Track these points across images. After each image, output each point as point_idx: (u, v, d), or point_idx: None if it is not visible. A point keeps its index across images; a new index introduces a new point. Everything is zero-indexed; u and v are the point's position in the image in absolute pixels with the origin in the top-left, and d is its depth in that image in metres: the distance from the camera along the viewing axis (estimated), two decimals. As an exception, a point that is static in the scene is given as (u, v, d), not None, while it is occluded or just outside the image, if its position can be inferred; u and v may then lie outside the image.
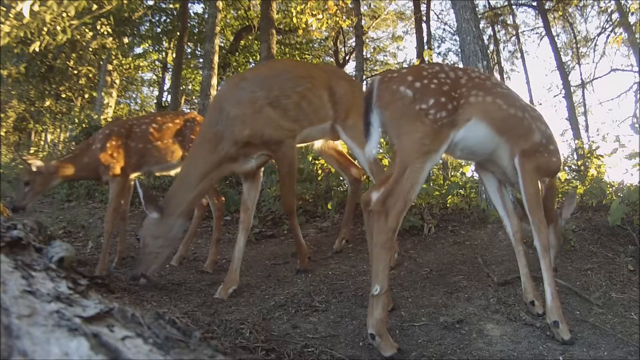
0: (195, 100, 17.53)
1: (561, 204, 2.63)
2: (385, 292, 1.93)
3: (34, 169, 3.13)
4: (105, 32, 9.61)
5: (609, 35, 13.23)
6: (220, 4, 7.77)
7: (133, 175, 3.51)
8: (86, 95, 14.15)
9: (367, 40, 16.43)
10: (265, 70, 2.94)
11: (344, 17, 9.59)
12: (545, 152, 2.23)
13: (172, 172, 3.74)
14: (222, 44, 13.27)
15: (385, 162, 4.89)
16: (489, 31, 15.33)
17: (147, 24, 12.17)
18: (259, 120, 2.69)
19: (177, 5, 11.59)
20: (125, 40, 11.41)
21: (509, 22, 15.95)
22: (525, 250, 2.46)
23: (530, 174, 2.16)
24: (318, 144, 3.40)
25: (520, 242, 2.43)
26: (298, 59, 13.56)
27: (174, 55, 12.25)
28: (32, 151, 14.17)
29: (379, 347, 1.91)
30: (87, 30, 9.51)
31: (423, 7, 14.05)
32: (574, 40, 15.35)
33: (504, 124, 2.14)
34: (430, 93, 2.02)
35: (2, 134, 15.91)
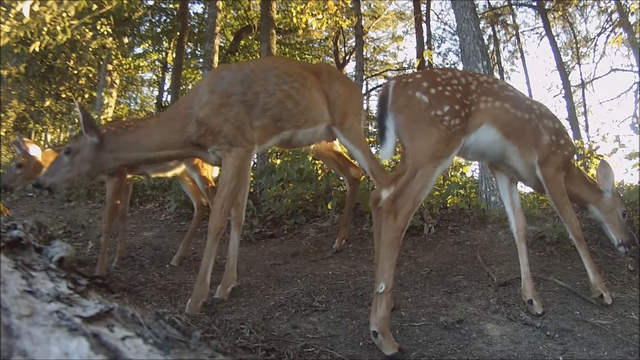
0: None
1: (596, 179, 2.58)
2: (390, 291, 1.94)
3: (31, 152, 3.12)
4: (105, 32, 9.60)
5: (609, 35, 13.21)
6: (220, 4, 7.76)
7: (130, 176, 3.51)
8: (86, 95, 14.12)
9: (367, 40, 16.44)
10: (252, 66, 2.77)
11: (344, 17, 9.57)
12: (558, 149, 2.33)
13: (169, 174, 3.74)
14: (222, 44, 13.25)
15: (385, 162, 4.89)
16: (489, 31, 15.33)
17: (147, 24, 12.15)
18: (225, 114, 2.50)
19: (177, 5, 11.58)
20: (125, 40, 11.39)
21: (509, 22, 15.95)
22: (527, 249, 2.48)
23: (553, 179, 2.31)
24: (313, 145, 3.33)
25: (523, 239, 2.46)
26: (298, 59, 13.54)
27: (174, 55, 12.24)
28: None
29: (381, 345, 1.91)
30: (87, 30, 9.50)
31: (423, 7, 14.05)
32: (574, 40, 15.35)
33: (512, 126, 2.23)
34: (445, 100, 2.07)
35: (2, 134, 15.90)
